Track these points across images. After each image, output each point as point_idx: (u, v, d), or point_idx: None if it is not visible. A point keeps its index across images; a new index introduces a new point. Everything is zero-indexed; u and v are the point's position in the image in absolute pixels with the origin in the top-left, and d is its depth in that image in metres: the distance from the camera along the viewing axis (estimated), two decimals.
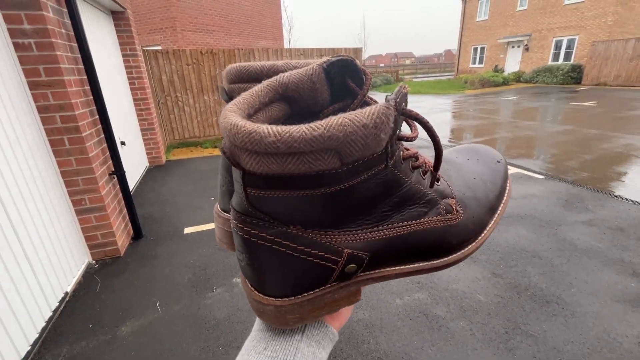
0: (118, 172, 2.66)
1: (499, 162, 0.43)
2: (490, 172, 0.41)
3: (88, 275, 2.38)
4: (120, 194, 2.75)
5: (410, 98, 14.14)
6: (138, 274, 2.40)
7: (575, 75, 15.32)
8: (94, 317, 1.98)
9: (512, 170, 4.35)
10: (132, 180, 4.14)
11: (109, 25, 4.19)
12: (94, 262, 2.53)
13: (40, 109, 2.11)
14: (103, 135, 2.56)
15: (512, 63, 19.28)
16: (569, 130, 6.45)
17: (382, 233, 0.28)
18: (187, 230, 3.01)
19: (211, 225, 3.03)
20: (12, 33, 1.95)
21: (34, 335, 1.78)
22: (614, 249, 2.47)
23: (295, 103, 0.28)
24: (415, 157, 0.31)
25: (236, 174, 0.24)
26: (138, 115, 4.80)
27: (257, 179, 0.23)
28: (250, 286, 0.30)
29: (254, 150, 0.21)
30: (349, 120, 0.21)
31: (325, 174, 0.22)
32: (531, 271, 2.26)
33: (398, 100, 0.23)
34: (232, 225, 0.27)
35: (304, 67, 0.27)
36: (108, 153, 2.62)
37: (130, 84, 4.62)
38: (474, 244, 0.35)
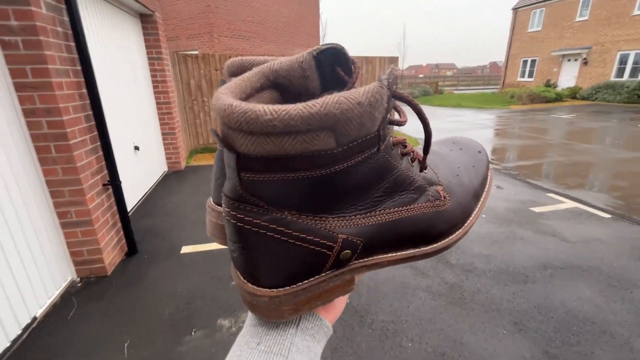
0: (113, 182, 2.45)
1: (480, 152, 0.43)
2: (473, 161, 0.41)
3: (67, 296, 2.16)
4: (115, 207, 2.54)
5: (448, 112, 13.35)
6: (118, 300, 2.13)
7: None
8: (53, 353, 1.72)
9: (568, 203, 3.65)
10: (145, 186, 4.01)
11: (136, 29, 4.13)
12: (78, 279, 2.32)
13: (26, 113, 1.93)
14: (99, 143, 2.36)
15: (567, 78, 17.64)
16: (639, 158, 5.51)
17: (375, 218, 0.28)
18: (185, 249, 2.73)
19: (209, 246, 2.74)
20: None
21: None
22: None
23: (286, 91, 0.27)
24: (404, 144, 0.31)
25: (229, 158, 0.23)
26: (160, 119, 4.71)
27: (252, 162, 0.22)
28: (242, 278, 0.28)
29: (250, 130, 0.20)
30: (345, 98, 0.21)
31: (321, 155, 0.22)
32: (600, 354, 1.69)
33: (390, 80, 0.24)
34: (224, 214, 0.26)
35: (295, 55, 0.26)
36: (104, 162, 2.42)
37: (154, 87, 4.54)
38: (461, 230, 0.35)
